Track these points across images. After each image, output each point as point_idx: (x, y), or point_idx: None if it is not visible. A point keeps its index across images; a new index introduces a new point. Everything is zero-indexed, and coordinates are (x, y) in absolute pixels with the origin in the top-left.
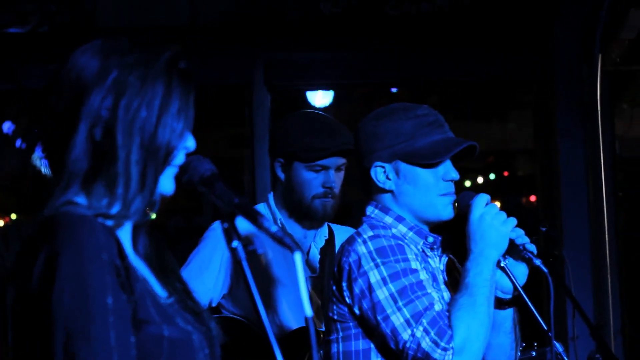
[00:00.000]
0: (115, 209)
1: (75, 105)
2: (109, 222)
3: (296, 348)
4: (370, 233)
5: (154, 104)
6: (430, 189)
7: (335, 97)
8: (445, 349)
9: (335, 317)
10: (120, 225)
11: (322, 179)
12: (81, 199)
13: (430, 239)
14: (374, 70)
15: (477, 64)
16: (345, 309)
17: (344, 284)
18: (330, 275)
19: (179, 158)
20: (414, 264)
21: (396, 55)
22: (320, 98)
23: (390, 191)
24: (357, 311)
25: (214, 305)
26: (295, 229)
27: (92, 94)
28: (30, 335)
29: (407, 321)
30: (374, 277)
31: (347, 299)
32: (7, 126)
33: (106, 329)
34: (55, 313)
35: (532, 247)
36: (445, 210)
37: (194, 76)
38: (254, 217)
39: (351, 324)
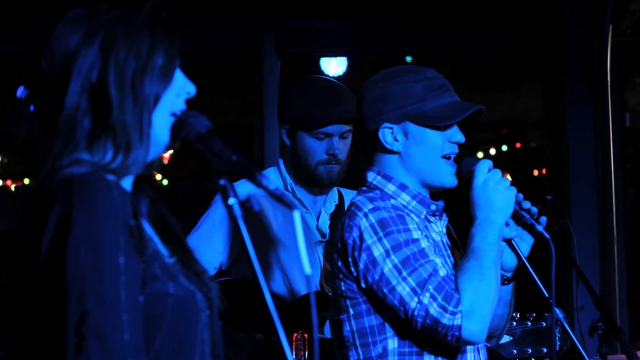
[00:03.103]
0: (119, 160)
1: (65, 69)
2: (113, 177)
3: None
4: (370, 206)
5: (141, 53)
6: (437, 150)
7: (349, 66)
8: (453, 313)
9: (345, 294)
10: (124, 177)
11: (325, 146)
12: (86, 156)
13: (433, 207)
14: (386, 39)
15: (489, 36)
16: (354, 285)
17: (349, 259)
18: (334, 250)
19: (179, 104)
20: (415, 234)
21: (410, 25)
22: (334, 66)
23: (397, 153)
24: (363, 285)
25: (224, 268)
26: (304, 194)
27: (81, 55)
28: (42, 294)
29: (413, 289)
30: (377, 250)
31: (353, 273)
32: (21, 91)
33: (117, 289)
34: (69, 270)
35: (535, 210)
36: (448, 177)
37: (177, 24)
38: (252, 175)
39: (361, 299)
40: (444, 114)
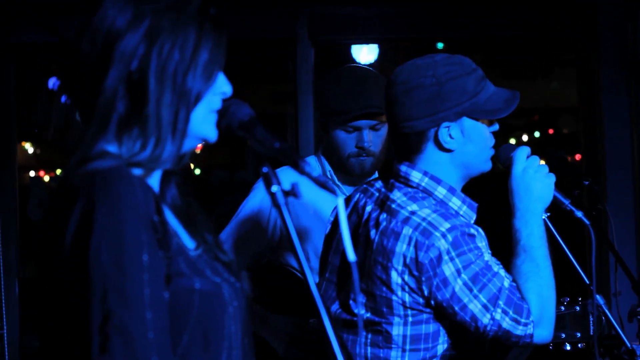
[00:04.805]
0: (146, 153)
1: (108, 51)
2: (140, 171)
3: None
4: (447, 225)
5: (186, 47)
6: (487, 144)
7: (380, 53)
8: (526, 324)
9: (407, 304)
10: (151, 172)
11: (355, 139)
12: (113, 148)
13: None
14: (418, 26)
15: (522, 21)
16: (421, 300)
17: (423, 278)
18: (400, 262)
19: (214, 102)
20: (481, 245)
21: (441, 12)
22: (365, 54)
23: (450, 151)
24: (433, 303)
25: (264, 255)
26: (343, 183)
27: (125, 39)
28: (66, 290)
29: (485, 306)
30: (448, 269)
31: (424, 292)
32: (53, 82)
33: (141, 287)
34: (92, 269)
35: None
36: (488, 163)
37: (225, 23)
38: (296, 162)
39: (425, 310)
40: (496, 106)
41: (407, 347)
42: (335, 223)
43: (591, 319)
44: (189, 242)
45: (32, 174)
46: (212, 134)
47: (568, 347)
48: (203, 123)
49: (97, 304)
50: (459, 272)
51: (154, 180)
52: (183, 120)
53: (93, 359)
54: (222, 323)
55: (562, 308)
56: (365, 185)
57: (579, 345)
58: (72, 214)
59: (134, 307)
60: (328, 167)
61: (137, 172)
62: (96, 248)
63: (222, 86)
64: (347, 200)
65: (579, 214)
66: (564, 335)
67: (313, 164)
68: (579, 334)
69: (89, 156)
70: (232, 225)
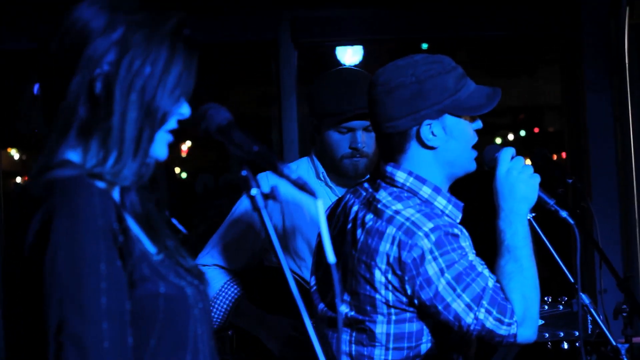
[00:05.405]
0: (107, 167)
1: (75, 54)
2: (102, 184)
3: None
4: (430, 225)
5: (157, 65)
6: (469, 141)
7: (365, 54)
8: (509, 324)
9: (390, 303)
10: (113, 186)
11: (349, 140)
12: (76, 156)
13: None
14: (401, 26)
15: (505, 20)
16: (405, 299)
17: (406, 277)
18: (383, 261)
19: (172, 123)
20: (465, 245)
21: (425, 12)
22: (350, 55)
23: (433, 148)
24: (416, 302)
25: (256, 257)
26: (336, 184)
27: (95, 44)
28: (24, 299)
29: (468, 305)
30: (432, 269)
31: (407, 291)
32: (37, 87)
33: (97, 296)
34: (47, 277)
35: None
36: (472, 163)
37: (197, 45)
38: (274, 165)
39: (408, 309)
40: (478, 103)
41: (391, 345)
42: (328, 221)
43: (589, 318)
44: (151, 248)
45: (18, 179)
46: (163, 154)
47: (566, 346)
48: (159, 143)
49: (53, 313)
50: (442, 271)
51: (115, 190)
52: (147, 139)
53: None
54: (186, 326)
55: (560, 307)
56: (356, 187)
57: (577, 344)
58: (31, 223)
59: (90, 316)
60: (321, 169)
61: (99, 184)
62: (52, 258)
63: (183, 108)
64: (339, 202)
65: (564, 213)
66: (562, 334)
67: (305, 166)
68: (577, 333)
69: (50, 164)
70: (225, 228)
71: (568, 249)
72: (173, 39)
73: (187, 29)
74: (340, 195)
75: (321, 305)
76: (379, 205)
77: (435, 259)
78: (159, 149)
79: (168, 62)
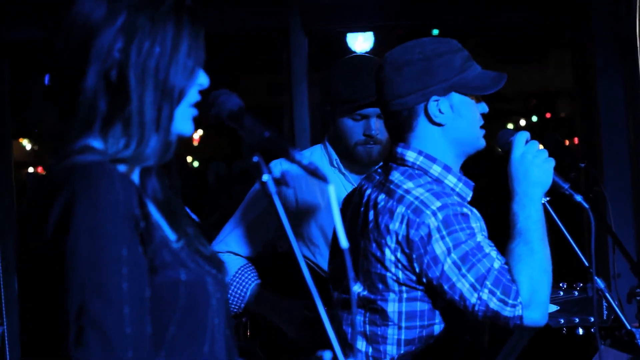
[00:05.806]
0: (130, 151)
1: (84, 49)
2: (123, 167)
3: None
4: (438, 203)
5: (165, 44)
6: (476, 120)
7: (376, 41)
8: (514, 305)
9: (401, 281)
10: (135, 168)
11: (362, 127)
12: (98, 143)
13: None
14: (412, 12)
15: (515, 6)
16: (414, 277)
17: (414, 255)
18: (393, 240)
19: (193, 96)
20: (475, 226)
21: None
22: (360, 42)
23: (441, 125)
24: (424, 280)
25: (270, 243)
26: (349, 171)
27: (101, 36)
28: (45, 283)
29: (472, 285)
30: (439, 248)
31: (416, 269)
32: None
33: (118, 281)
34: (69, 262)
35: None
36: (481, 140)
37: (201, 14)
38: (286, 150)
39: (419, 287)
40: (483, 83)
41: (403, 324)
42: (344, 208)
43: (604, 304)
44: (171, 235)
45: (30, 170)
46: (189, 130)
47: (581, 332)
48: (182, 119)
49: (73, 298)
50: (449, 250)
51: (135, 174)
52: (167, 117)
53: (69, 351)
54: (205, 315)
55: (576, 293)
56: (370, 172)
57: (592, 329)
58: (53, 207)
59: (111, 301)
60: (334, 156)
61: (120, 168)
62: (74, 242)
63: (200, 79)
64: (355, 190)
65: (578, 197)
66: (577, 320)
67: (319, 152)
68: (592, 319)
69: (72, 150)
70: (238, 215)
71: (580, 233)
72: (176, 13)
73: (189, 0)
74: (353, 182)
75: (336, 293)
76: (391, 186)
77: (442, 237)
78: (183, 124)
79: (176, 38)
